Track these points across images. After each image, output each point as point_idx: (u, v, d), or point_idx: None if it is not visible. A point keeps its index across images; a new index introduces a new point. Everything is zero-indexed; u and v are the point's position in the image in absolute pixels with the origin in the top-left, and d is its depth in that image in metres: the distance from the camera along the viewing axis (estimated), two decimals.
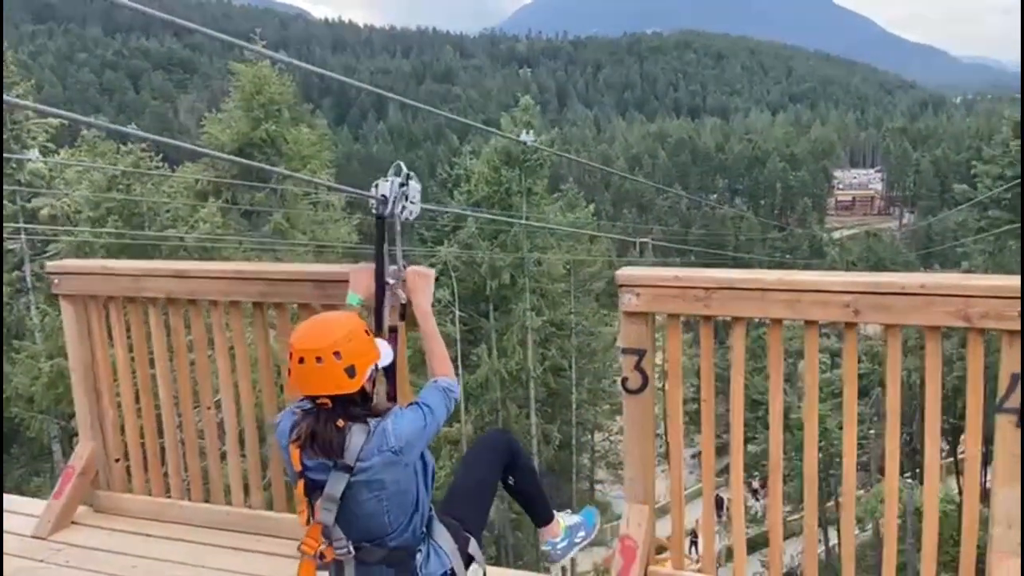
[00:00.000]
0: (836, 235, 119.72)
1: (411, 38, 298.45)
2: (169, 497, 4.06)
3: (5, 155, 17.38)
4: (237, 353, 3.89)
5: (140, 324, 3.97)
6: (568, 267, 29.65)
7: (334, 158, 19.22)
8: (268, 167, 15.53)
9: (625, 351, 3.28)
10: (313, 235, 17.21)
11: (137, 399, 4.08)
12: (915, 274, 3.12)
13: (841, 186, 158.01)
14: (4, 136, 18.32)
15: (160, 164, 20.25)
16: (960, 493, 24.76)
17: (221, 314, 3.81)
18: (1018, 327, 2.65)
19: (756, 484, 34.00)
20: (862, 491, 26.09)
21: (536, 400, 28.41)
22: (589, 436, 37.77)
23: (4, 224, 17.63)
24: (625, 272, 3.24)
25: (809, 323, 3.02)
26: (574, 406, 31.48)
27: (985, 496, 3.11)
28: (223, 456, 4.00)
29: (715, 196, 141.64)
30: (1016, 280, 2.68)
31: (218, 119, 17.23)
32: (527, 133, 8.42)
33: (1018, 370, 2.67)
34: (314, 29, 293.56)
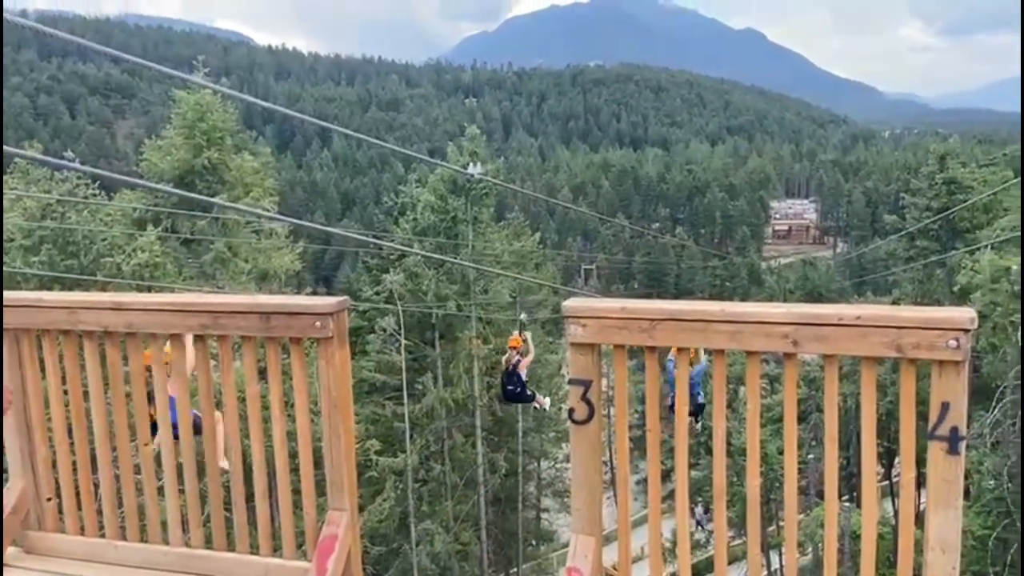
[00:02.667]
0: (774, 263, 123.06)
1: (356, 66, 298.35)
2: (103, 537, 3.90)
3: None
4: (177, 387, 3.80)
5: (74, 357, 3.84)
6: (514, 295, 29.72)
7: (277, 186, 18.95)
8: (202, 197, 15.22)
9: (572, 382, 3.30)
10: (256, 264, 16.91)
11: (70, 434, 3.93)
12: (851, 306, 3.19)
13: (778, 216, 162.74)
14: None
15: (96, 192, 19.69)
16: (896, 516, 25.41)
17: (160, 347, 3.72)
18: (947, 357, 2.75)
19: (699, 510, 34.30)
20: (802, 515, 26.56)
21: (482, 428, 28.25)
22: (535, 464, 37.66)
23: None
24: (571, 304, 3.27)
25: (751, 353, 3.09)
26: (520, 434, 31.37)
27: (920, 519, 3.20)
28: (160, 492, 3.87)
29: (657, 225, 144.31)
30: (943, 312, 2.79)
31: (158, 146, 16.85)
32: (474, 165, 8.44)
33: (948, 399, 2.77)
34: (257, 56, 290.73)
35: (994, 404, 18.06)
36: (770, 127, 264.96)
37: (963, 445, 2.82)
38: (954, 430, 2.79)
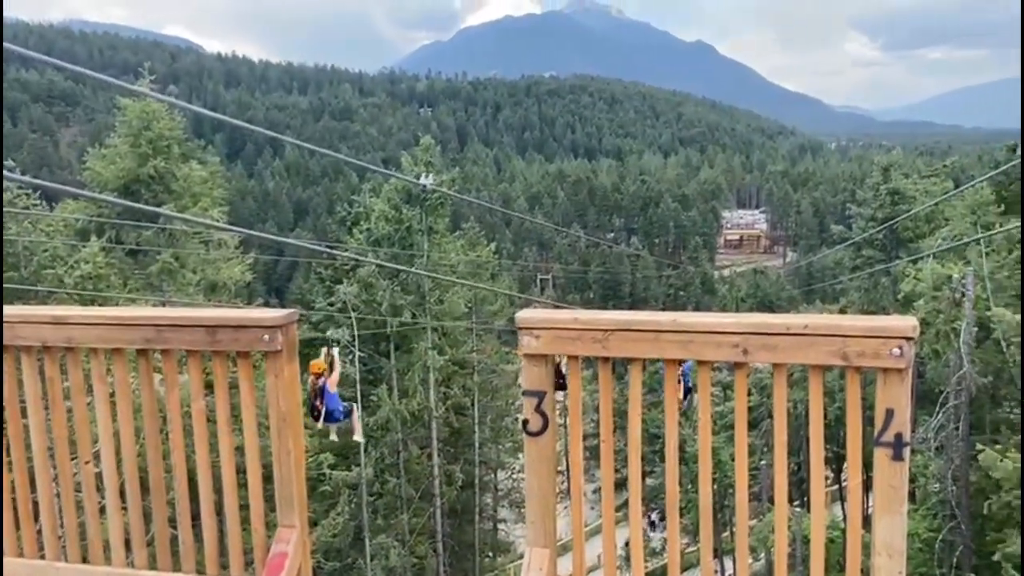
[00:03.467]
0: (726, 272, 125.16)
1: (308, 75, 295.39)
2: (43, 558, 3.77)
3: None
4: (119, 402, 3.68)
5: (12, 373, 3.70)
6: (470, 305, 29.65)
7: (226, 195, 18.61)
8: (146, 207, 14.78)
9: (526, 393, 3.29)
10: (204, 275, 16.55)
11: (8, 452, 3.79)
12: (799, 316, 3.26)
13: (729, 225, 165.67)
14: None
15: (38, 202, 19.09)
16: (845, 520, 25.93)
17: (102, 362, 3.61)
18: (891, 365, 2.81)
19: (654, 517, 34.55)
20: (755, 520, 26.93)
21: (438, 440, 28.06)
22: (492, 475, 37.56)
23: None
24: (524, 315, 3.26)
25: (702, 363, 3.12)
26: (477, 445, 31.26)
27: (868, 523, 3.26)
28: (102, 511, 3.75)
29: (612, 234, 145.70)
30: (887, 321, 2.85)
31: (102, 155, 16.37)
32: (426, 176, 8.40)
33: (892, 406, 2.83)
34: (206, 63, 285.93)
35: (938, 409, 18.58)
36: (721, 138, 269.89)
37: (907, 451, 2.88)
38: (898, 436, 2.85)
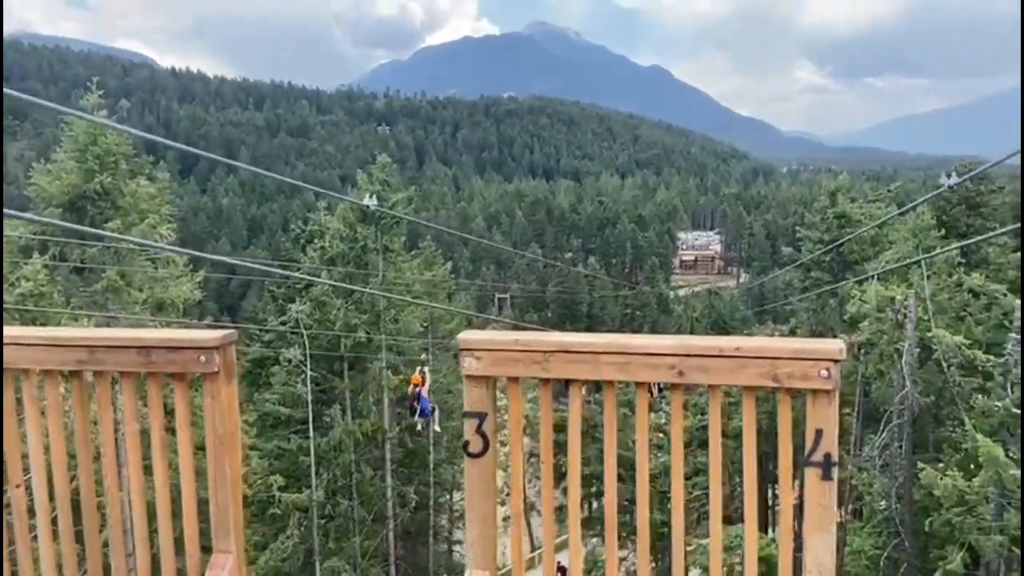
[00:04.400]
0: (681, 292, 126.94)
1: (265, 91, 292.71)
2: None
3: None
4: (51, 424, 3.59)
5: None
6: (425, 324, 29.50)
7: (178, 212, 18.27)
8: (85, 228, 14.40)
9: (467, 414, 3.29)
10: (152, 293, 16.18)
11: None
12: (732, 338, 3.33)
13: (684, 247, 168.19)
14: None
15: None
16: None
17: (34, 384, 3.51)
18: (819, 386, 2.88)
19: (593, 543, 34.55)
20: (703, 541, 27.11)
21: (392, 461, 27.75)
22: (447, 496, 37.25)
23: None
24: (466, 336, 3.28)
25: (639, 384, 3.16)
26: (432, 465, 30.98)
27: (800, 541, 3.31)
28: (34, 539, 3.63)
29: (570, 254, 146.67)
30: (815, 344, 2.93)
31: (47, 169, 15.92)
32: (371, 197, 8.38)
33: (821, 426, 2.90)
34: (159, 78, 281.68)
35: (882, 428, 19.02)
36: (676, 161, 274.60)
37: (836, 471, 2.95)
38: (827, 456, 2.91)
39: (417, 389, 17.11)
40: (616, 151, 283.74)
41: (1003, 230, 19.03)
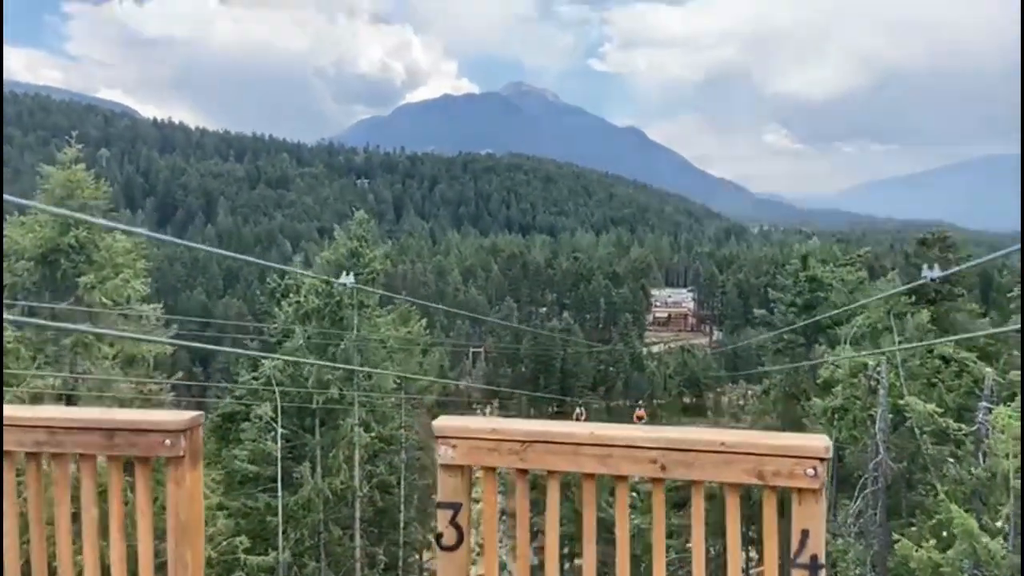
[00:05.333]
0: (655, 349, 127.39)
1: (246, 143, 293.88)
2: None
3: None
4: (5, 509, 3.42)
5: None
6: (399, 381, 29.19)
7: (151, 266, 18.02)
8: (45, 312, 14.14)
9: (440, 505, 3.19)
10: (122, 348, 15.85)
11: None
12: (716, 431, 3.27)
13: (658, 303, 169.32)
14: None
15: None
16: None
17: None
18: (806, 485, 2.82)
19: None
20: None
21: (362, 520, 27.09)
22: (417, 556, 36.41)
23: None
24: (442, 423, 3.19)
25: (619, 478, 3.08)
26: (402, 525, 30.33)
27: None
28: None
29: (544, 309, 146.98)
30: (801, 440, 2.88)
31: (20, 221, 15.67)
32: (347, 274, 8.34)
33: (807, 526, 2.83)
34: (140, 128, 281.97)
35: (857, 494, 18.98)
36: (651, 219, 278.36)
37: (823, 573, 2.87)
38: (814, 558, 2.84)
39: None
40: (592, 208, 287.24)
41: (1006, 329, 19.30)
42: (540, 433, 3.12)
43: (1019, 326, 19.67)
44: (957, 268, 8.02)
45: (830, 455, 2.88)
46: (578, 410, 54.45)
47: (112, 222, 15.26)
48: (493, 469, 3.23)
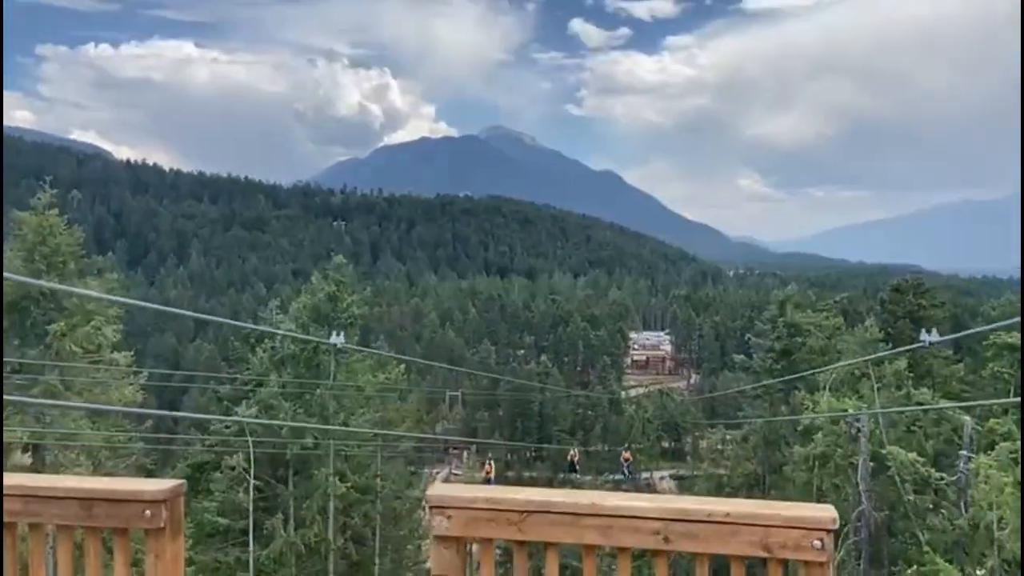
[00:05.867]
0: (633, 392, 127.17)
1: (221, 184, 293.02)
2: None
3: None
4: None
5: None
6: (376, 428, 28.73)
7: (122, 311, 17.67)
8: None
9: None
10: (92, 396, 15.45)
11: None
12: (720, 501, 3.19)
13: (636, 346, 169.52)
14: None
15: None
16: None
17: None
18: (812, 558, 2.74)
19: None
20: None
21: (335, 574, 26.37)
22: None
23: None
24: (436, 492, 3.08)
25: (621, 550, 2.98)
26: None
27: None
28: None
29: (523, 352, 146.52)
30: (808, 511, 2.81)
31: None
32: (337, 335, 8.23)
33: None
34: (113, 169, 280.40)
35: (840, 544, 18.81)
36: (628, 262, 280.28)
37: None
38: None
39: (488, 475, 28.75)
40: (569, 251, 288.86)
41: (1007, 400, 19.42)
42: (539, 503, 3.02)
43: (1019, 398, 19.79)
44: (954, 335, 8.04)
45: (836, 526, 2.83)
46: (572, 451, 54.75)
47: (84, 289, 14.82)
48: (490, 541, 3.12)
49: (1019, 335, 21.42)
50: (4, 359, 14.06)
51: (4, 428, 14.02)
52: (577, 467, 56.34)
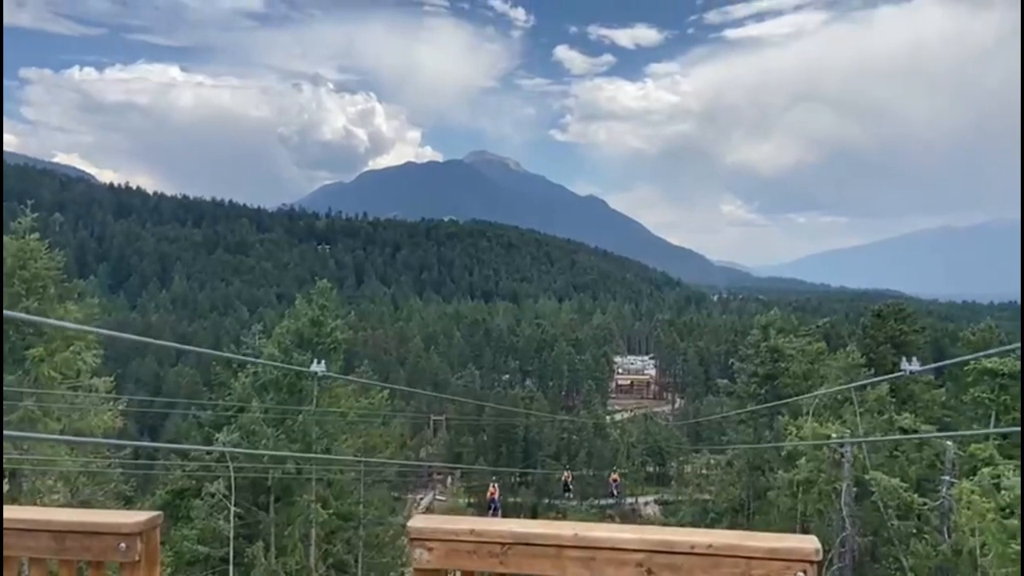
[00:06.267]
0: (617, 417, 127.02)
1: (204, 208, 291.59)
2: None
3: None
4: None
5: None
6: (358, 455, 28.48)
7: (101, 338, 17.46)
8: None
9: None
10: (70, 422, 15.21)
11: None
12: (703, 532, 3.18)
13: (620, 371, 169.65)
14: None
15: None
16: None
17: None
18: None
19: None
20: None
21: None
22: None
23: None
24: (417, 524, 3.05)
25: None
26: None
27: None
28: None
29: (507, 376, 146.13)
30: (790, 542, 2.80)
31: None
32: (318, 363, 8.19)
33: None
34: (96, 193, 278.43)
35: (824, 571, 18.76)
36: (612, 286, 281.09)
37: None
38: None
39: (493, 496, 34.51)
40: (554, 275, 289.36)
41: (1008, 429, 19.53)
42: (521, 535, 3.00)
43: (1020, 428, 19.90)
44: (935, 365, 8.15)
45: (819, 557, 2.82)
46: (566, 473, 57.34)
47: (60, 321, 14.60)
48: (471, 573, 3.09)
49: (999, 360, 21.66)
50: None
51: None
52: (571, 488, 59.62)
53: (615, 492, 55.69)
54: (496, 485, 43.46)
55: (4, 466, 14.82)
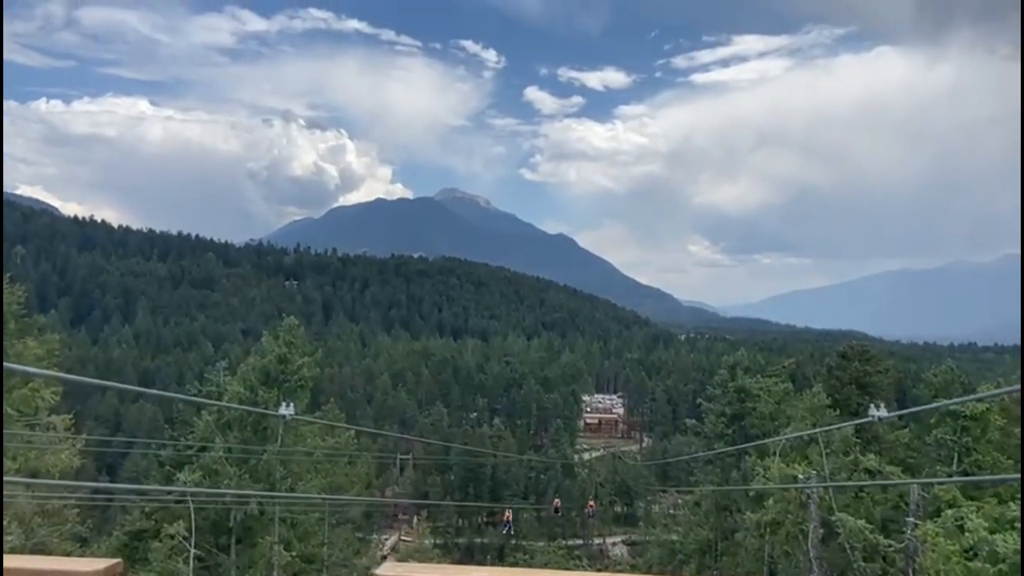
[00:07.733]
0: (586, 456, 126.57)
1: (170, 242, 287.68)
2: None
3: None
4: None
5: None
6: (323, 493, 27.95)
7: (64, 367, 17.04)
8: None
9: None
10: (26, 461, 14.77)
11: None
12: None
13: (589, 409, 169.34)
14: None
15: None
16: None
17: None
18: None
19: None
20: None
21: None
22: None
23: None
24: (386, 573, 3.01)
25: None
26: None
27: None
28: None
29: (475, 414, 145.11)
30: None
31: None
32: (287, 406, 8.10)
33: None
34: (60, 225, 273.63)
35: None
36: (581, 325, 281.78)
37: None
38: None
39: (507, 520, 43.99)
40: (523, 312, 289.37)
41: (1006, 477, 19.69)
42: None
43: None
44: (904, 411, 8.25)
45: None
46: (556, 501, 66.11)
47: (17, 365, 14.26)
48: None
49: (959, 406, 22.06)
50: None
51: None
52: (560, 511, 69.62)
53: (591, 515, 59.12)
54: (510, 511, 50.22)
55: None
